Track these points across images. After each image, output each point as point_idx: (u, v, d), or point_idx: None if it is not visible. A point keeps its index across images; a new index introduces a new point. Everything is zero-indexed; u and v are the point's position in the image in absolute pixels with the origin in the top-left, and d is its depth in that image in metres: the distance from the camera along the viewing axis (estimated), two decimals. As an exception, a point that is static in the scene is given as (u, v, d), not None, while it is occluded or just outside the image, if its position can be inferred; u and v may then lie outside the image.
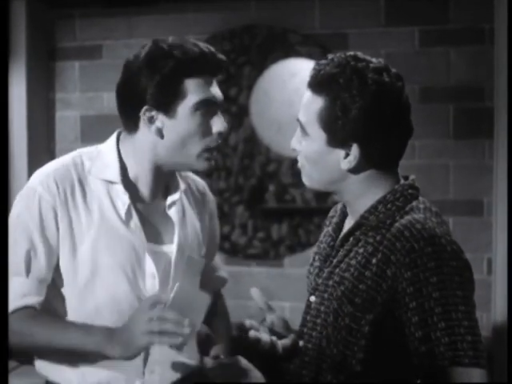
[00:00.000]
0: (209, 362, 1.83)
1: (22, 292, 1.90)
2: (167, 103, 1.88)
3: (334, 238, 1.80)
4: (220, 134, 1.92)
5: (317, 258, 1.83)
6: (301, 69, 3.67)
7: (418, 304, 1.60)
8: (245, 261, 3.79)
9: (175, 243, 1.99)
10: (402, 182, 1.74)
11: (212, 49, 1.91)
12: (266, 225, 3.79)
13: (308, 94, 1.71)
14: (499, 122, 3.33)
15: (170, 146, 1.92)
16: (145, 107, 1.89)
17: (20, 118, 3.81)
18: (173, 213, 2.01)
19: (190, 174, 2.16)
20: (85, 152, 2.00)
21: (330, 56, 1.70)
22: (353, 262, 1.69)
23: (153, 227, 1.99)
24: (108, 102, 3.90)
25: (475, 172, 3.48)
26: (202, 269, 1.81)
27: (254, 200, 3.79)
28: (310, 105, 1.70)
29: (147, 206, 1.99)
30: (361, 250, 1.69)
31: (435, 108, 3.52)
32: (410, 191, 1.72)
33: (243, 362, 1.76)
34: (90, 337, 1.85)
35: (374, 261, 1.65)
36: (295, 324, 1.88)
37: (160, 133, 1.91)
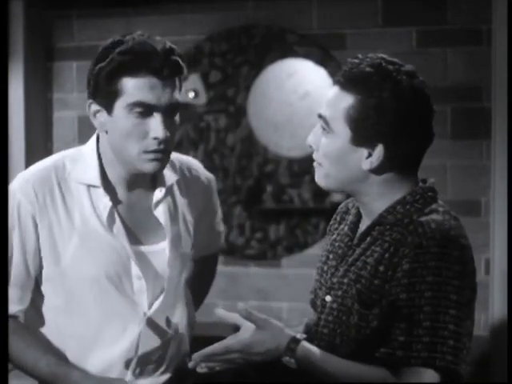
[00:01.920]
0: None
1: None
2: (105, 99, 1.82)
3: (351, 238, 1.79)
4: (157, 139, 1.80)
5: (331, 256, 1.82)
6: (298, 69, 3.67)
7: (408, 297, 1.61)
8: (242, 261, 3.78)
9: (167, 242, 1.93)
10: (421, 184, 1.74)
11: (169, 48, 1.81)
12: (264, 225, 3.78)
13: (336, 91, 1.70)
14: (497, 122, 3.33)
15: (113, 144, 1.86)
16: (89, 100, 1.85)
17: (18, 118, 3.80)
18: (159, 213, 1.94)
19: (185, 160, 2.08)
20: (68, 154, 1.94)
21: (360, 56, 1.70)
22: (369, 260, 1.69)
23: (139, 228, 1.92)
24: (106, 102, 3.89)
25: (473, 172, 3.49)
26: None
27: (252, 200, 3.78)
28: (337, 101, 1.69)
29: (131, 207, 1.93)
30: (378, 249, 1.70)
31: (433, 108, 3.52)
32: (429, 194, 1.73)
33: None
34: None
35: (386, 255, 1.67)
36: (292, 324, 1.88)
37: (104, 128, 1.85)
